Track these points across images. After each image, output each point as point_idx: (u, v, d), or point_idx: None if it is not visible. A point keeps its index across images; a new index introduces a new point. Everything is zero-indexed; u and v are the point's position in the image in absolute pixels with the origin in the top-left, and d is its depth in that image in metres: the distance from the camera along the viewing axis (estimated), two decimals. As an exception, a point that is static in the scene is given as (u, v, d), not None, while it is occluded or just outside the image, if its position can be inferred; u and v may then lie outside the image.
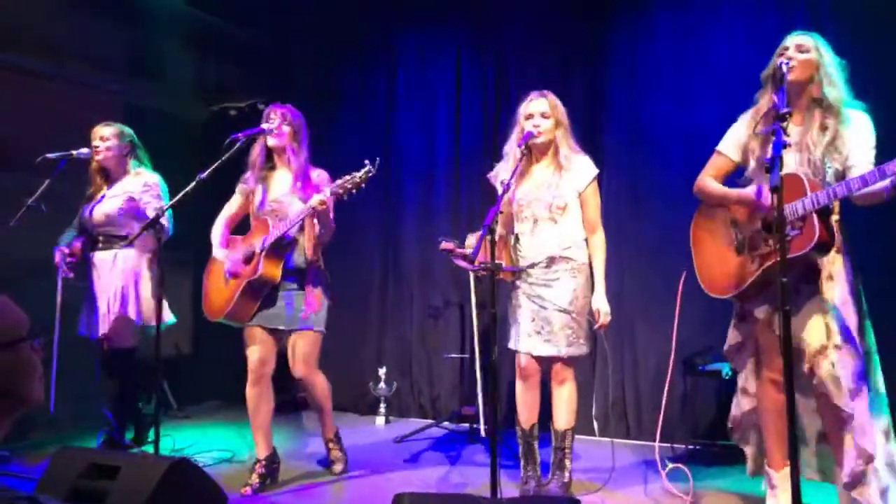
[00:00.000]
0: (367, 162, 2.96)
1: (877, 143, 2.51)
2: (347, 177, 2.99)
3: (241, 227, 3.47)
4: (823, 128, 2.53)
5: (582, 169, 3.14)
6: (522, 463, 3.24)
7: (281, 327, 3.23)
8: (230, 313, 3.21)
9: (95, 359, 3.64)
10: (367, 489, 3.34)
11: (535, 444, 3.24)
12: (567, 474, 3.16)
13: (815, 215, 2.37)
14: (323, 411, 3.44)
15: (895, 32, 3.70)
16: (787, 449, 2.61)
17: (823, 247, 2.41)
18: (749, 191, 2.61)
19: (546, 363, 3.17)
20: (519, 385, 3.22)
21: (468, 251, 3.53)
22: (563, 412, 3.16)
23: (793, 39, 2.59)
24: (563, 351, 3.08)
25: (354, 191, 2.98)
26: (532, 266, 3.10)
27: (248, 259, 3.22)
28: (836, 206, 2.54)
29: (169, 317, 3.60)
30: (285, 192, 3.26)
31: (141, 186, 3.57)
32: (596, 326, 3.09)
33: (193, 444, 4.04)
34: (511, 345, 3.20)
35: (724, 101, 3.64)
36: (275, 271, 3.16)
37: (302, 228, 3.21)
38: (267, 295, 3.22)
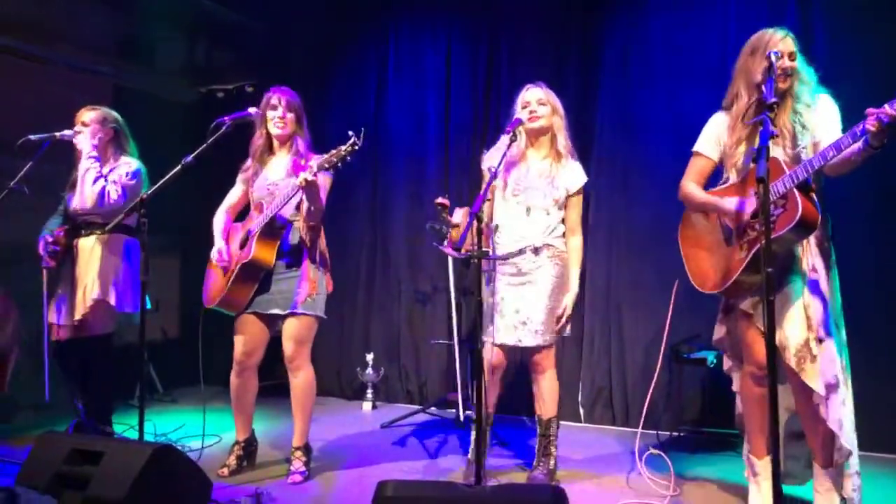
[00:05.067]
0: (351, 133, 2.85)
1: (861, 117, 2.51)
2: (333, 151, 2.91)
3: (244, 215, 3.42)
4: (795, 112, 2.58)
5: (576, 173, 3.19)
6: (472, 448, 3.23)
7: (275, 311, 3.17)
8: (225, 300, 3.17)
9: (51, 346, 3.57)
10: (352, 475, 3.34)
11: (488, 432, 3.26)
12: (552, 461, 3.17)
13: (796, 191, 2.39)
14: (300, 411, 3.25)
15: (882, 24, 3.71)
16: (768, 438, 2.67)
17: (809, 222, 2.40)
18: (727, 204, 2.63)
19: (525, 353, 3.17)
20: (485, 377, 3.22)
21: (455, 222, 3.55)
22: (548, 401, 3.18)
23: (785, 44, 2.57)
24: (547, 339, 3.09)
25: (340, 164, 2.90)
26: (521, 252, 3.09)
27: (244, 244, 3.18)
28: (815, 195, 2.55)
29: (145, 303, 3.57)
30: (283, 177, 3.20)
31: (118, 169, 3.52)
32: (560, 325, 3.12)
33: (180, 427, 4.04)
34: (487, 336, 3.15)
35: (714, 92, 3.61)
36: (267, 255, 3.11)
37: (299, 209, 3.16)
38: (263, 280, 3.17)
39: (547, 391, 3.17)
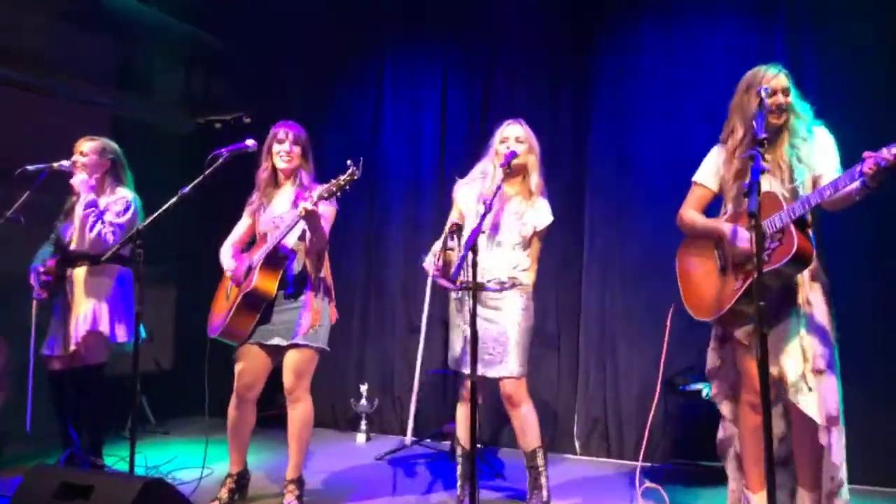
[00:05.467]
0: (349, 163, 2.90)
1: (855, 150, 2.55)
2: (333, 181, 2.95)
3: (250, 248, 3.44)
4: (792, 146, 2.63)
5: (543, 211, 3.23)
6: (460, 483, 3.22)
7: (277, 342, 3.16)
8: (227, 330, 3.15)
9: (49, 377, 3.55)
10: (346, 508, 3.32)
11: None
12: (545, 493, 3.12)
13: (792, 226, 2.44)
14: (296, 444, 3.23)
15: (871, 55, 3.78)
16: (764, 471, 2.67)
17: (804, 257, 2.45)
18: (725, 228, 2.68)
19: (495, 385, 3.15)
20: (462, 408, 3.21)
21: (451, 245, 3.56)
22: (528, 432, 3.14)
23: (778, 81, 2.63)
24: (514, 370, 3.08)
25: (339, 193, 2.95)
26: (513, 286, 3.10)
27: (248, 273, 3.19)
28: (810, 231, 2.59)
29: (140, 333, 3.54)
30: (287, 209, 3.22)
31: (113, 205, 3.53)
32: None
33: (172, 459, 4.00)
34: (457, 367, 3.18)
35: (709, 125, 3.67)
36: (269, 284, 3.11)
37: (303, 239, 3.17)
38: (265, 310, 3.17)
39: (525, 423, 3.13)
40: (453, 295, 3.22)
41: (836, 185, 2.36)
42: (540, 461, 3.14)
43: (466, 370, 3.10)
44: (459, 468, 3.22)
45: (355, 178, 2.91)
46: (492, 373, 3.10)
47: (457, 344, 3.20)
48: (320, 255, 3.24)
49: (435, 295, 4.73)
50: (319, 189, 2.98)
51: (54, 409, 3.58)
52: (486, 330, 3.09)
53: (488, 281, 3.10)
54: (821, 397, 2.51)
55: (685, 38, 4.32)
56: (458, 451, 3.23)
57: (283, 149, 3.25)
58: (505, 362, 3.08)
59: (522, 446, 3.17)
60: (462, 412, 3.21)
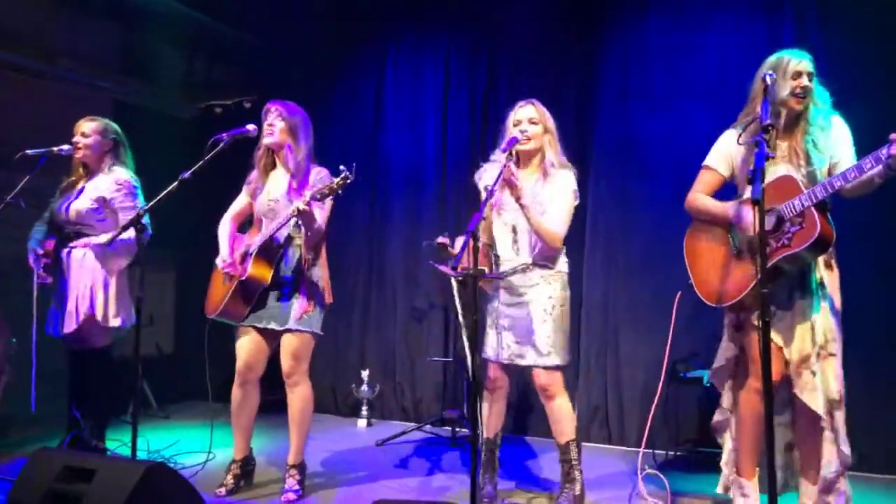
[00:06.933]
0: (342, 168, 2.89)
1: (864, 140, 2.57)
2: (327, 182, 2.96)
3: (248, 224, 3.45)
4: (806, 133, 2.61)
5: (559, 182, 3.06)
6: (482, 471, 3.18)
7: (272, 326, 3.17)
8: (223, 311, 3.19)
9: (65, 357, 3.58)
10: (347, 493, 3.32)
11: (497, 453, 3.22)
12: (578, 487, 3.05)
13: (813, 209, 2.42)
14: (297, 429, 3.25)
15: (873, 44, 3.75)
16: (759, 458, 2.72)
17: (826, 241, 2.45)
18: (731, 213, 2.67)
19: (527, 375, 3.12)
20: (486, 395, 3.18)
21: (457, 251, 3.53)
22: (562, 425, 3.08)
23: (803, 65, 2.60)
24: (547, 362, 3.01)
25: (331, 196, 2.96)
26: (514, 272, 3.08)
27: (244, 259, 3.20)
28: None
29: (131, 319, 3.53)
30: (282, 193, 3.21)
31: (113, 185, 3.48)
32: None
33: (173, 444, 4.01)
34: (486, 355, 3.16)
35: (714, 114, 3.67)
36: (263, 273, 3.13)
37: (299, 227, 3.17)
38: (261, 295, 3.19)
39: (559, 416, 3.07)
40: (488, 290, 3.19)
41: (861, 168, 2.34)
42: (573, 454, 3.07)
43: (491, 357, 3.13)
44: (484, 456, 3.18)
45: (348, 181, 2.90)
46: (520, 361, 3.05)
47: (486, 333, 3.18)
48: (318, 245, 3.26)
49: (438, 283, 4.75)
50: (312, 189, 2.99)
51: (67, 389, 3.58)
52: (514, 318, 3.06)
53: (514, 267, 3.06)
54: (823, 383, 2.52)
55: (692, 27, 4.28)
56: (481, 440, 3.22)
57: (266, 123, 3.23)
58: (533, 351, 3.02)
59: (556, 439, 3.12)
60: (485, 399, 3.19)
